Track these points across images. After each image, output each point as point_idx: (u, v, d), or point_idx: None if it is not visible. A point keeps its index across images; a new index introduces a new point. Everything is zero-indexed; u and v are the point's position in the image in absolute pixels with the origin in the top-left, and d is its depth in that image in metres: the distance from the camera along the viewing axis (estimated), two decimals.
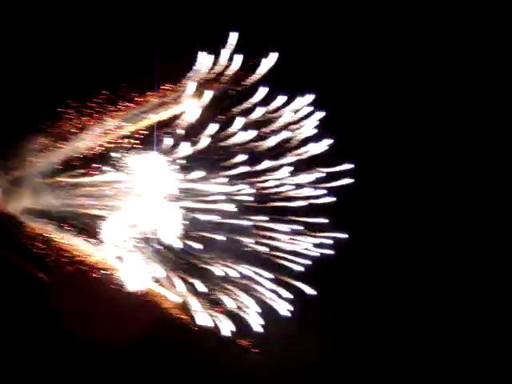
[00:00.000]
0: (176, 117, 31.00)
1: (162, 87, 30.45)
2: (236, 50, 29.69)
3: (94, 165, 31.63)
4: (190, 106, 30.55)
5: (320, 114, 31.12)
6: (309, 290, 32.56)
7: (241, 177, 31.59)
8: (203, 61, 29.88)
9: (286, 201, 32.19)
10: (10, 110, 31.22)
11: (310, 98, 30.74)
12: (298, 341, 32.62)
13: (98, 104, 30.81)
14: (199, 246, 31.82)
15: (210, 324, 32.10)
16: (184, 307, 32.13)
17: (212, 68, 30.16)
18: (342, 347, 32.88)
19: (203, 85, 30.36)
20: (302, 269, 32.54)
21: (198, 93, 30.47)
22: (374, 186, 32.23)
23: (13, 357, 31.60)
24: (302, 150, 31.62)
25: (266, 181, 31.79)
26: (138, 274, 32.00)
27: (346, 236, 32.57)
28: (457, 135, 32.38)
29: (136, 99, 30.61)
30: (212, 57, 29.88)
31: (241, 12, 30.06)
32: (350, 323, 33.29)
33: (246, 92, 30.47)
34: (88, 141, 31.58)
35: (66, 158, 31.81)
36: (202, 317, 32.09)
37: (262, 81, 30.26)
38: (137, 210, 31.79)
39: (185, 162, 31.26)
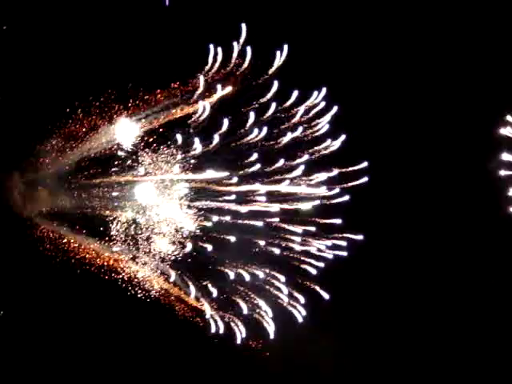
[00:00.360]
0: (188, 115, 30.93)
1: (172, 85, 30.44)
2: (247, 44, 29.74)
3: (108, 166, 31.55)
4: (201, 104, 30.46)
5: (334, 110, 30.86)
6: (323, 293, 32.00)
7: (254, 176, 31.31)
8: (214, 56, 29.92)
9: (299, 201, 31.77)
10: (24, 113, 31.30)
11: (323, 93, 30.57)
12: (311, 344, 31.93)
13: (109, 104, 30.83)
14: (212, 247, 31.39)
15: (223, 327, 31.63)
16: (197, 310, 31.70)
17: (223, 64, 30.18)
18: (355, 350, 32.14)
19: (215, 81, 30.36)
20: (315, 271, 31.99)
21: (210, 90, 30.47)
22: (390, 184, 31.67)
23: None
24: (316, 148, 31.34)
25: (280, 181, 31.45)
26: (152, 276, 31.68)
27: (360, 237, 32.07)
28: (473, 133, 31.93)
29: (145, 98, 30.56)
30: (222, 52, 29.87)
31: (251, 7, 30.00)
32: (363, 326, 32.53)
33: (259, 88, 30.38)
34: (102, 141, 31.51)
35: (81, 159, 31.72)
36: (215, 320, 31.64)
37: (275, 76, 30.22)
38: (151, 211, 31.56)
39: (197, 161, 31.09)
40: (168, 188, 31.42)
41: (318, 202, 31.43)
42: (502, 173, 31.84)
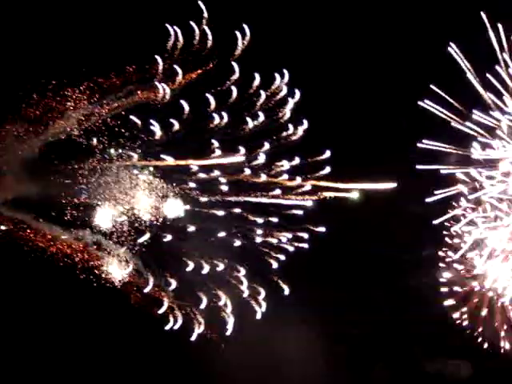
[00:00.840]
0: (150, 100, 30.24)
1: (128, 68, 29.62)
2: (208, 26, 29.01)
3: (71, 152, 30.61)
4: (161, 87, 29.78)
5: (297, 96, 30.05)
6: (283, 286, 31.23)
7: (216, 165, 30.62)
8: (173, 38, 29.15)
9: (262, 191, 31.04)
10: None
11: (286, 77, 29.75)
12: (270, 338, 31.13)
13: (64, 88, 30.01)
14: (172, 237, 30.58)
15: (181, 319, 30.81)
16: (155, 300, 30.87)
17: (184, 47, 29.43)
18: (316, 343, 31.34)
19: (175, 65, 29.62)
20: (276, 264, 31.22)
21: (171, 74, 29.77)
22: (353, 175, 30.73)
23: None
24: (278, 136, 30.60)
25: (242, 170, 30.73)
26: (114, 265, 30.91)
27: (323, 230, 31.24)
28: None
29: (101, 82, 29.75)
30: (182, 34, 29.09)
31: None
32: (325, 320, 31.75)
33: (220, 72, 29.64)
34: (64, 127, 30.76)
35: (44, 144, 30.91)
36: (173, 311, 30.80)
37: (236, 60, 29.47)
38: (113, 199, 30.83)
39: (159, 148, 30.42)
40: (131, 174, 30.68)
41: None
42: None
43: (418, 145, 30.57)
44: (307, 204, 31.07)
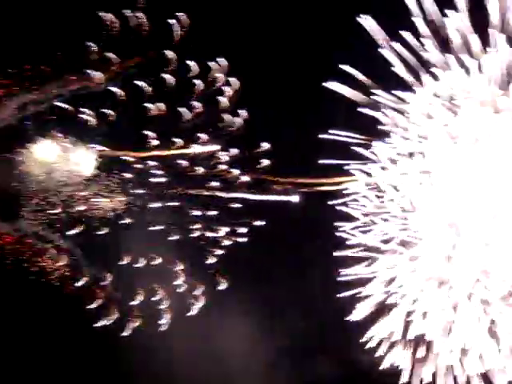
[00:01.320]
0: (83, 89, 29.53)
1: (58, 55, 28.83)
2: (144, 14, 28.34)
3: (13, 141, 29.74)
4: (95, 76, 29.10)
5: (235, 85, 29.40)
6: (220, 281, 30.69)
7: (152, 157, 30.03)
8: (108, 25, 28.41)
9: (200, 182, 30.46)
10: None
11: (224, 65, 29.06)
12: (210, 333, 30.61)
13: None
14: (109, 230, 30.04)
15: (116, 315, 30.17)
16: (88, 295, 30.19)
17: (119, 34, 28.69)
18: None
19: (109, 52, 28.90)
20: (214, 258, 30.69)
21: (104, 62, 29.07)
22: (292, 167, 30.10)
23: None
24: (217, 125, 30.00)
25: (179, 162, 30.15)
26: (48, 256, 30.14)
27: (262, 223, 30.65)
28: None
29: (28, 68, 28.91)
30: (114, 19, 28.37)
31: None
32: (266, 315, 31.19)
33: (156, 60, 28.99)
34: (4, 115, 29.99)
35: None
36: (108, 306, 30.12)
37: (173, 47, 28.79)
38: (49, 189, 30.07)
39: (95, 137, 29.76)
40: (67, 164, 29.98)
41: None
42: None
43: (320, 136, 28.53)
44: (247, 197, 30.54)
